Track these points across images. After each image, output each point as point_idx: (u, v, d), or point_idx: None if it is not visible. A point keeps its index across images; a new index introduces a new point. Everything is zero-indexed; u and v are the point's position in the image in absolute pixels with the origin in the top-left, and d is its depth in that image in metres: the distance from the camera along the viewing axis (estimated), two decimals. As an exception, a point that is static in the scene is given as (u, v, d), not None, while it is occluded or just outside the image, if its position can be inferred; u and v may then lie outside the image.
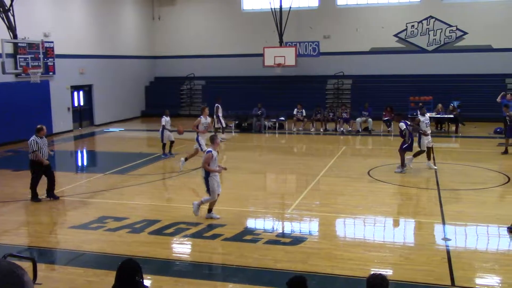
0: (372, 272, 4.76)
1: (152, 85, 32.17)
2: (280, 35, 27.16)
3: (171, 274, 7.89)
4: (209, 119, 16.08)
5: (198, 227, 9.97)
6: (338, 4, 28.86)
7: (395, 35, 27.96)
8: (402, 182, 13.71)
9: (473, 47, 26.75)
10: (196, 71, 31.03)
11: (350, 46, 28.34)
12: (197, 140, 15.20)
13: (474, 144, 20.06)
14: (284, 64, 26.06)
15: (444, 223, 10.11)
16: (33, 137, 11.86)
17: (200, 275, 7.89)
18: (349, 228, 10.35)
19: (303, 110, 24.10)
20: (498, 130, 21.63)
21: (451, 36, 27.28)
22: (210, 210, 10.45)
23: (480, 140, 20.55)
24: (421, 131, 14.76)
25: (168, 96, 30.61)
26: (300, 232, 9.93)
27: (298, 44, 27.50)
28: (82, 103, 26.29)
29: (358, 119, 23.06)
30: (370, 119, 22.86)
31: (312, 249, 8.82)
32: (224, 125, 21.74)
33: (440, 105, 22.71)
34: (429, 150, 15.02)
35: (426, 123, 15.04)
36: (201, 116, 15.77)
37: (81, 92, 26.20)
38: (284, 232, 9.98)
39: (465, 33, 26.97)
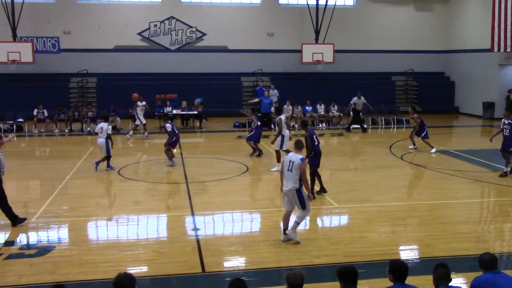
0: (118, 273, 4.72)
1: None
2: (13, 29, 24.71)
3: None
4: None
5: None
6: (78, -1, 27.66)
7: (139, 34, 28.11)
8: (153, 179, 13.94)
9: (212, 47, 28.66)
10: None
11: (93, 43, 27.43)
12: None
13: (217, 138, 21.60)
14: (20, 61, 23.86)
15: (193, 214, 10.63)
16: None
17: None
18: (101, 230, 10.07)
19: (45, 110, 22.47)
20: (237, 124, 23.74)
21: (191, 36, 28.70)
22: (285, 230, 8.87)
23: (222, 134, 22.20)
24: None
25: None
26: (48, 241, 9.25)
27: (35, 39, 25.46)
28: None
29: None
30: (118, 118, 22.65)
31: (62, 257, 8.31)
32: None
33: (184, 102, 23.75)
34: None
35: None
36: None
37: None
38: (29, 243, 9.15)
39: (204, 34, 28.70)
